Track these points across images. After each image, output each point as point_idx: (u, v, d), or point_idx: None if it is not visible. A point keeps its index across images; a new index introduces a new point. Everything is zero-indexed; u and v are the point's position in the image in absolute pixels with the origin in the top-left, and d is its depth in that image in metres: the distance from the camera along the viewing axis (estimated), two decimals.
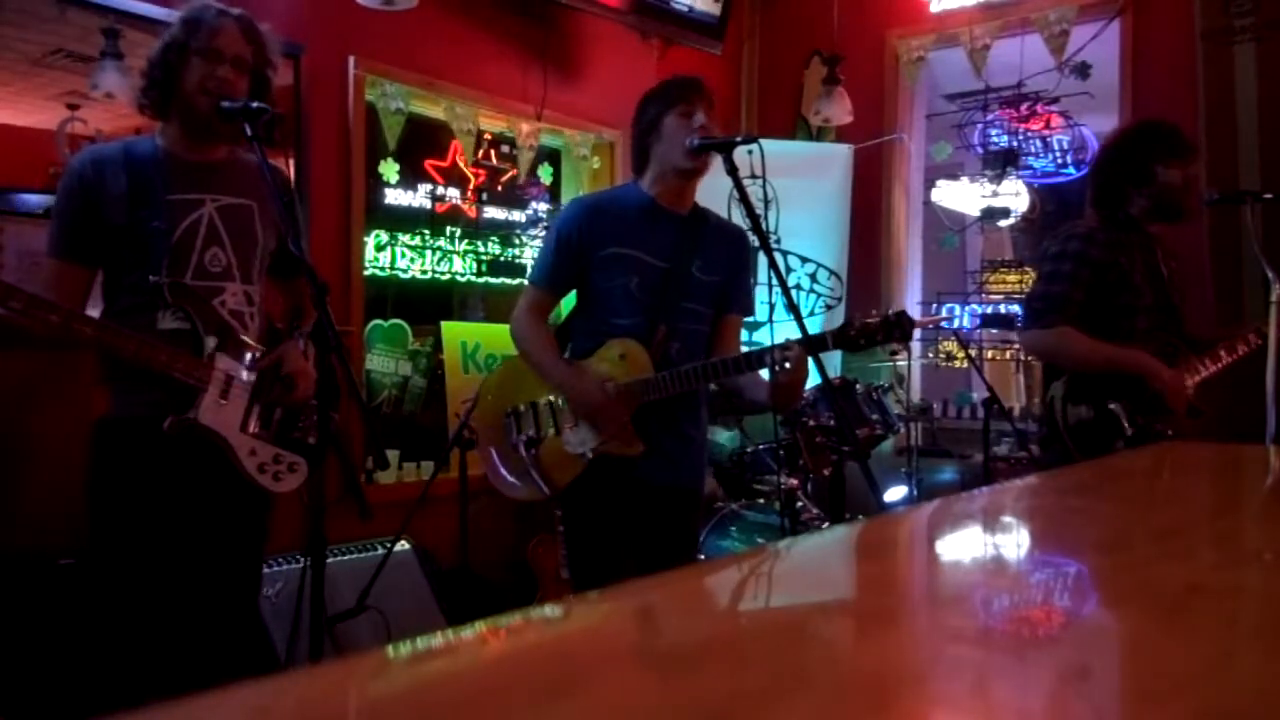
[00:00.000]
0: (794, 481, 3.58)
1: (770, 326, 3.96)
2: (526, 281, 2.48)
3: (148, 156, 2.04)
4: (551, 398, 2.38)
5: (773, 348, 2.15)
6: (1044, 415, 2.72)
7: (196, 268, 2.04)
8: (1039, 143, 4.72)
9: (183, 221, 2.03)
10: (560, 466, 2.34)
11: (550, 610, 0.68)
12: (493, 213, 4.40)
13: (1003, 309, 4.76)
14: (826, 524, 3.49)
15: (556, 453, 2.35)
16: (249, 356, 2.10)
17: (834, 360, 4.42)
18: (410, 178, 4.07)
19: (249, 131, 1.96)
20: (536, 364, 2.37)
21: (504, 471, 2.44)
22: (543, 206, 4.50)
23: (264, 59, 2.12)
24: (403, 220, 4.05)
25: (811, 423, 3.57)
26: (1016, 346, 4.67)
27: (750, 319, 2.66)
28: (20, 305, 1.78)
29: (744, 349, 2.46)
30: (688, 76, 2.35)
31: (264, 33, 2.11)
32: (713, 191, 2.48)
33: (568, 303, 2.55)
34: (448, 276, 4.18)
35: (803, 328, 2.07)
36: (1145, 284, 2.62)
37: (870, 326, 2.13)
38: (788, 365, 2.12)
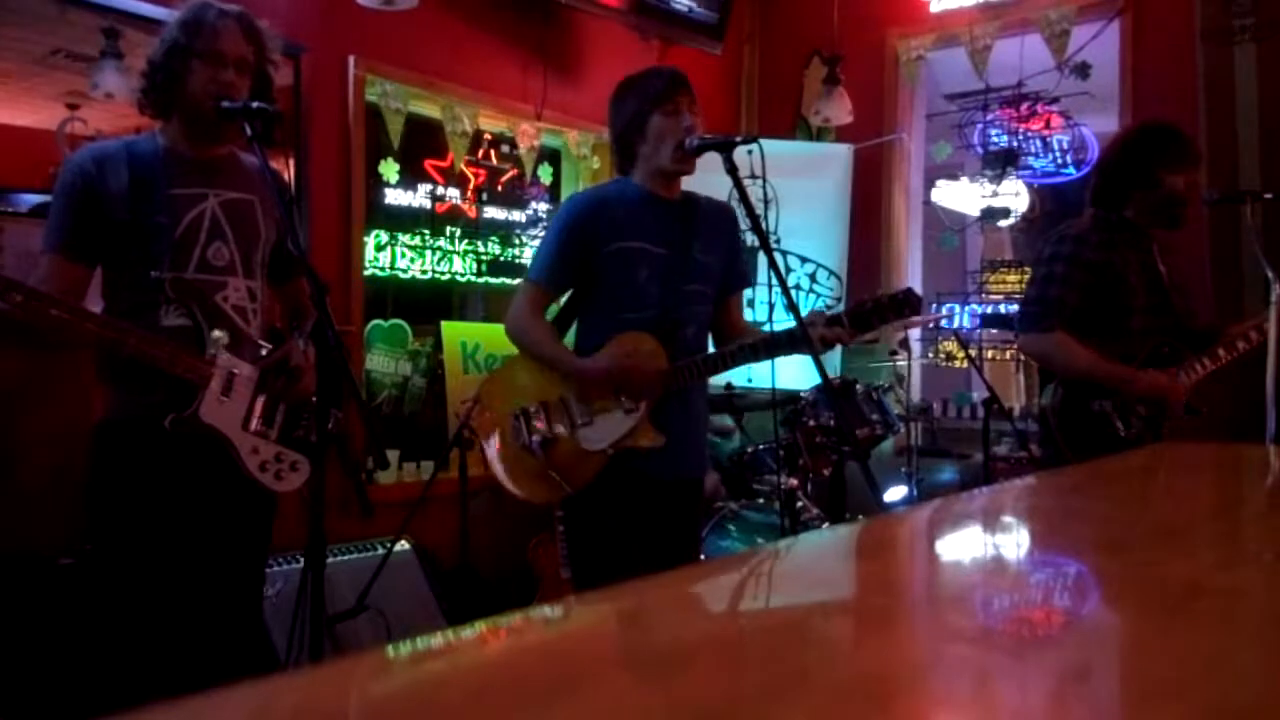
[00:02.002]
0: (794, 481, 3.58)
1: (770, 326, 3.95)
2: (524, 278, 2.45)
3: (149, 153, 2.03)
4: (558, 394, 2.32)
5: (813, 323, 2.20)
6: (1039, 416, 2.74)
7: (199, 262, 2.03)
8: (1039, 143, 4.72)
9: (186, 216, 2.03)
10: (578, 465, 2.29)
11: (550, 610, 0.68)
12: (493, 213, 4.40)
13: (1003, 309, 4.76)
14: (826, 524, 3.49)
15: (573, 451, 2.29)
16: (251, 352, 2.09)
17: (834, 360, 4.42)
18: (410, 178, 4.07)
19: (249, 131, 1.96)
20: (545, 356, 2.32)
21: (515, 474, 2.38)
22: (543, 206, 4.50)
23: (264, 56, 2.11)
24: (403, 220, 4.05)
25: (811, 423, 3.57)
26: (1016, 346, 4.67)
27: (750, 320, 2.67)
28: (21, 299, 1.77)
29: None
30: (669, 70, 2.32)
31: (263, 30, 2.10)
32: (713, 191, 2.48)
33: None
34: (448, 276, 4.18)
35: (803, 329, 2.07)
36: (1140, 284, 2.63)
37: (881, 304, 2.23)
38: (826, 337, 2.20)
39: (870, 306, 2.25)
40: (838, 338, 2.21)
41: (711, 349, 2.45)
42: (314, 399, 2.13)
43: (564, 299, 2.51)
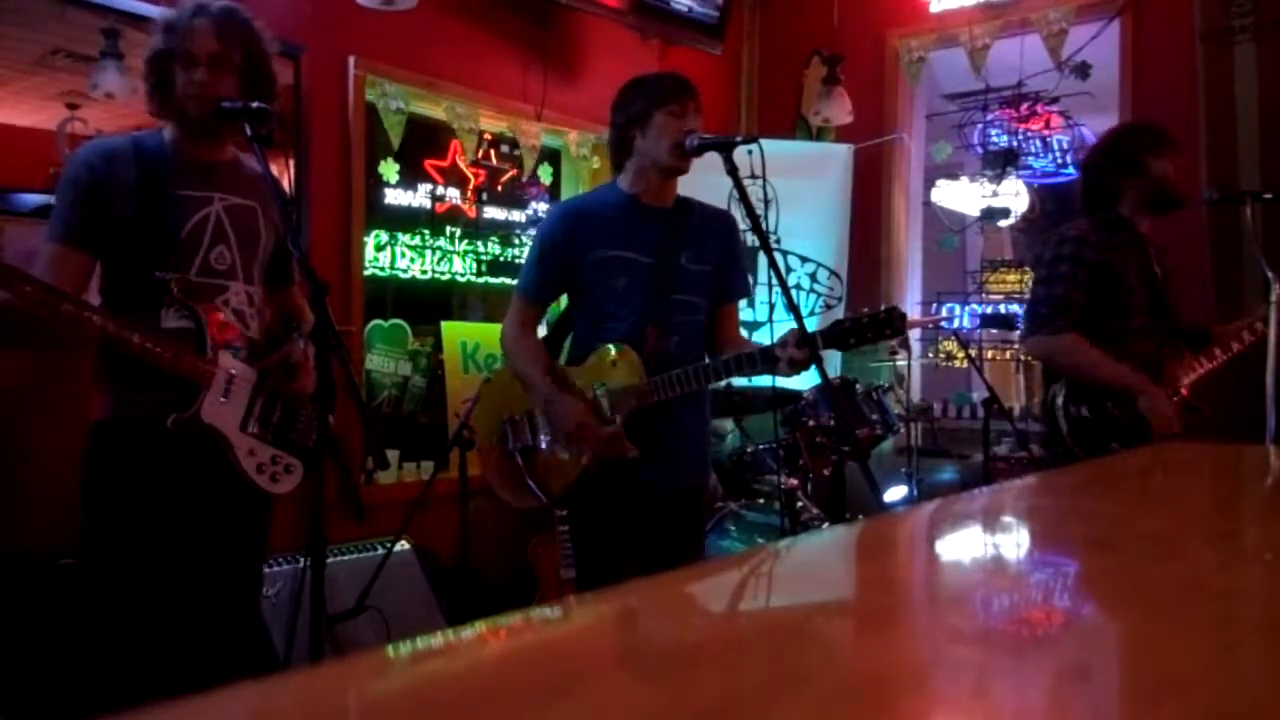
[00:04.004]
0: (794, 481, 3.58)
1: (770, 326, 3.95)
2: (515, 290, 2.48)
3: (157, 151, 2.03)
4: None
5: (784, 344, 2.12)
6: (1045, 415, 2.73)
7: (202, 265, 2.04)
8: (1039, 143, 4.72)
9: (191, 218, 2.03)
10: (556, 474, 2.35)
11: (550, 610, 0.68)
12: (493, 213, 4.40)
13: (1003, 309, 4.75)
14: (826, 524, 3.49)
15: (551, 460, 2.35)
16: (250, 355, 2.10)
17: (834, 360, 4.42)
18: (410, 178, 4.07)
19: (249, 132, 1.96)
20: (522, 379, 2.38)
21: (502, 478, 2.44)
22: (542, 206, 4.50)
23: (251, 51, 2.07)
24: (403, 220, 4.04)
25: (811, 423, 3.57)
26: (1016, 346, 4.67)
27: (750, 319, 2.66)
28: (32, 291, 1.78)
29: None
30: (680, 77, 2.34)
31: (244, 24, 2.06)
32: (713, 191, 2.48)
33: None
34: (448, 276, 4.17)
35: (803, 328, 2.06)
36: (1139, 284, 2.63)
37: (861, 324, 2.09)
38: (790, 364, 2.11)
39: (848, 326, 2.10)
40: (806, 359, 2.08)
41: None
42: (311, 400, 2.14)
43: (562, 306, 2.53)
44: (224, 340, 2.02)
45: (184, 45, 1.99)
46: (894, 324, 2.07)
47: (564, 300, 2.53)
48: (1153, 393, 2.56)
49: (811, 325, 2.13)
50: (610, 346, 2.30)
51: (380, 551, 3.22)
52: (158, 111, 2.07)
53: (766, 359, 2.16)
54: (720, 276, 2.41)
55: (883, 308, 2.11)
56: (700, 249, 2.36)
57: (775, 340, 2.14)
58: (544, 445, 2.37)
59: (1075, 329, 2.58)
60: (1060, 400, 2.63)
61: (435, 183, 4.18)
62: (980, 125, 4.73)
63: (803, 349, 2.07)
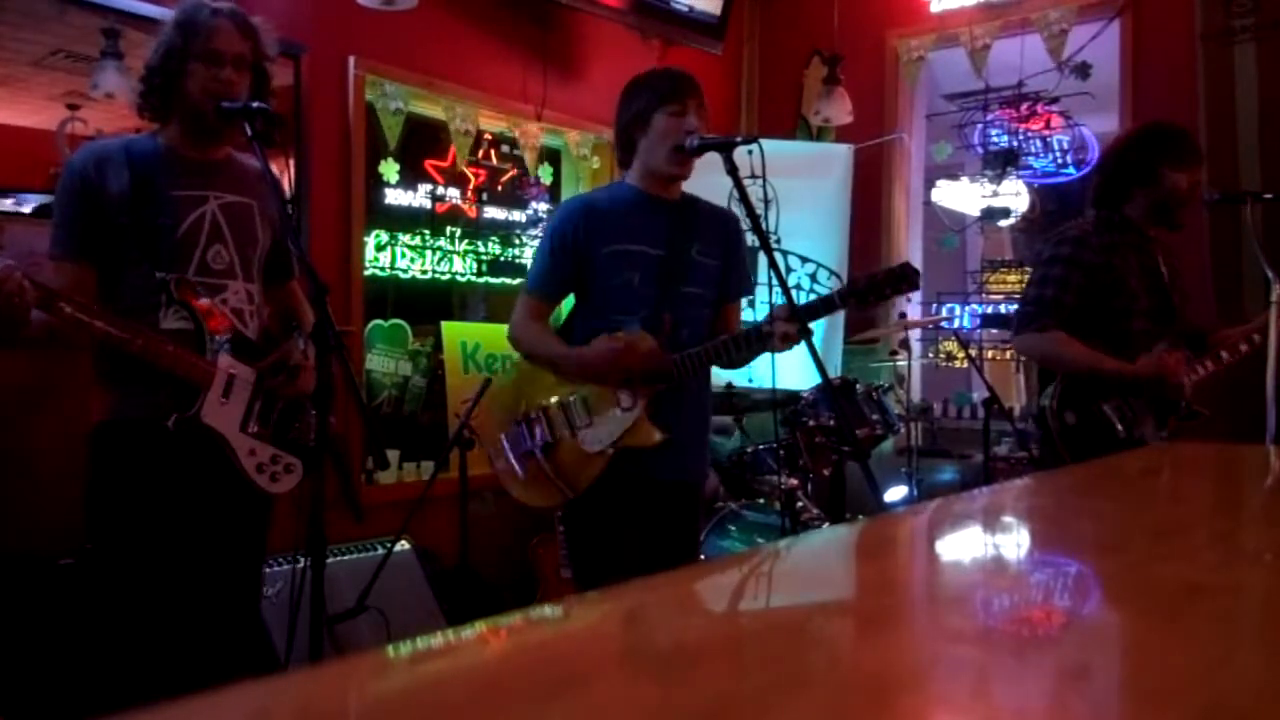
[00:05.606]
0: (794, 481, 3.58)
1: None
2: (522, 290, 2.46)
3: (150, 154, 2.04)
4: (556, 398, 2.34)
5: (772, 319, 2.14)
6: (1038, 418, 2.71)
7: (200, 264, 2.04)
8: (1039, 143, 4.72)
9: (187, 218, 2.03)
10: (580, 467, 2.30)
11: (550, 610, 0.68)
12: (493, 213, 4.40)
13: (1003, 309, 4.76)
14: (826, 524, 3.49)
15: (575, 454, 2.31)
16: (250, 355, 2.10)
17: (834, 360, 4.42)
18: (410, 178, 4.07)
19: (249, 131, 1.96)
20: (546, 356, 2.34)
21: (523, 481, 2.39)
22: (542, 206, 4.50)
23: (261, 53, 2.10)
24: (403, 220, 4.05)
25: (811, 423, 3.57)
26: (1013, 347, 4.68)
27: (750, 320, 2.66)
28: (36, 295, 1.78)
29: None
30: (681, 72, 2.33)
31: (258, 25, 2.09)
32: (713, 191, 2.48)
33: (566, 306, 2.54)
34: (448, 276, 4.18)
35: (792, 304, 2.09)
36: (1140, 286, 2.61)
37: (877, 279, 2.14)
38: (788, 334, 2.13)
39: (864, 285, 2.16)
40: (798, 333, 2.10)
41: None
42: (310, 401, 2.14)
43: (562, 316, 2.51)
44: (212, 329, 2.02)
45: (208, 44, 2.00)
46: (909, 278, 2.15)
47: (562, 314, 2.52)
48: (1140, 366, 2.52)
49: (813, 325, 2.14)
50: (621, 333, 2.28)
51: (380, 551, 3.22)
52: (156, 113, 2.06)
53: (759, 336, 2.18)
54: (724, 273, 2.42)
55: (895, 264, 2.16)
56: (708, 243, 2.37)
57: (764, 317, 2.16)
58: (567, 437, 2.33)
59: (1068, 329, 2.57)
60: (1050, 403, 2.62)
61: (435, 183, 4.18)
62: (980, 125, 4.73)
63: (793, 322, 2.10)
